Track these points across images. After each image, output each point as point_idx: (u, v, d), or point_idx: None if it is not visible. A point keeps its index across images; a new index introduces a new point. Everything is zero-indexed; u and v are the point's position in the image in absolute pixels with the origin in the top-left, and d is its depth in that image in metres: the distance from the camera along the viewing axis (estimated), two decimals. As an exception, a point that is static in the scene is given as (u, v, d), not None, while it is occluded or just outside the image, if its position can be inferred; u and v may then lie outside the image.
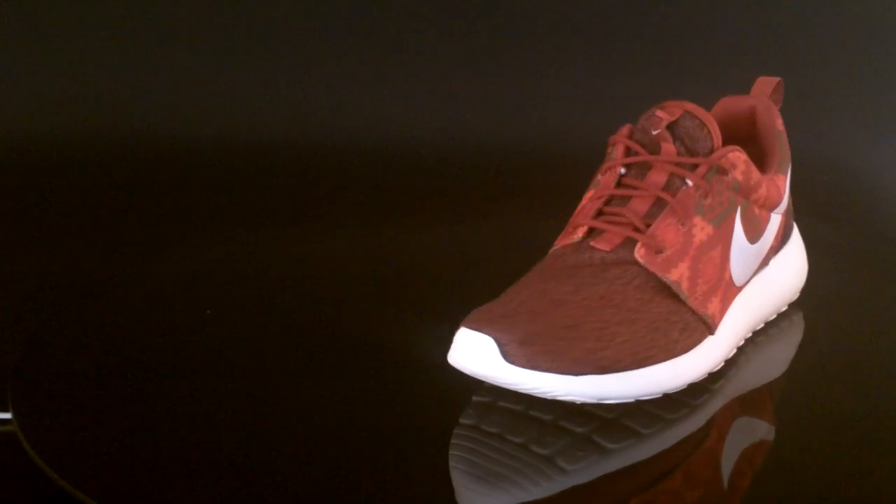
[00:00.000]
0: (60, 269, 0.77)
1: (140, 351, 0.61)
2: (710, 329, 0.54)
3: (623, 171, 0.55)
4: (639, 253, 0.53)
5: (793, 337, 0.62)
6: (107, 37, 1.05)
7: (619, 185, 0.55)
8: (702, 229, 0.54)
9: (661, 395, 0.52)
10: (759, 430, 0.53)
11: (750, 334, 0.60)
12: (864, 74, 1.02)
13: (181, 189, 0.92)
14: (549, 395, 0.49)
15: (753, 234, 0.57)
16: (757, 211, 0.57)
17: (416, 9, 1.11)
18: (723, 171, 0.54)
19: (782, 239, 0.62)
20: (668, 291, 0.53)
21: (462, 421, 0.52)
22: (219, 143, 0.98)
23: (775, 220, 0.59)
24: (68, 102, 1.01)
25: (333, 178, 1.00)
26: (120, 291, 0.70)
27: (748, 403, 0.55)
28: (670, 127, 0.55)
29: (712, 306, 0.54)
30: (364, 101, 1.09)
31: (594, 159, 0.58)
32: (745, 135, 0.63)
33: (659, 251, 0.53)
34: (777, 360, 0.60)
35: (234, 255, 0.75)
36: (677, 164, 0.55)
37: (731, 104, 0.64)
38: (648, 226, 0.53)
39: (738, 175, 0.55)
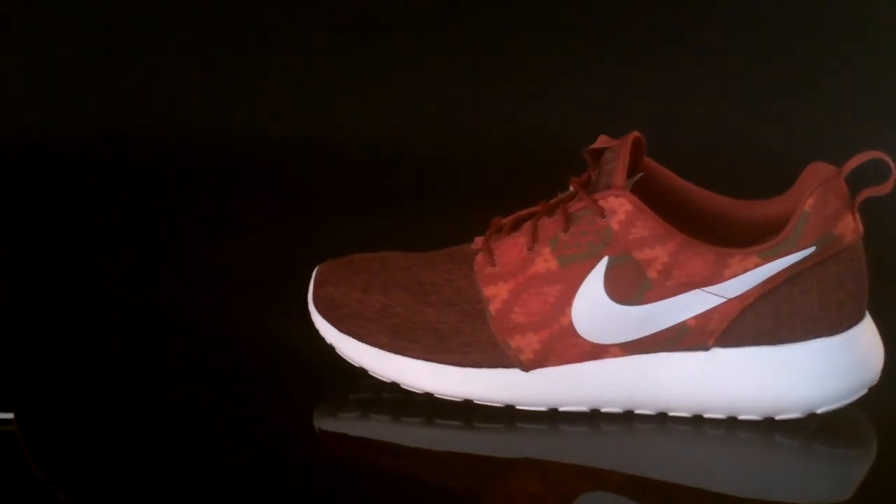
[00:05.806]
0: (60, 268, 0.78)
1: (143, 352, 0.61)
2: (508, 361, 0.51)
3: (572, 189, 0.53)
4: (477, 259, 0.53)
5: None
6: (106, 36, 1.04)
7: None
8: (545, 261, 0.50)
9: (422, 393, 0.53)
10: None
11: (652, 413, 0.52)
12: (864, 74, 1.01)
13: (181, 189, 0.92)
14: (329, 342, 0.55)
15: (626, 296, 0.49)
16: (653, 276, 0.48)
17: (415, 8, 1.06)
18: (599, 213, 0.49)
19: (753, 333, 0.50)
20: (480, 305, 0.51)
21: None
22: (218, 143, 0.97)
23: (704, 299, 0.49)
24: (68, 102, 1.03)
25: (333, 178, 0.95)
26: (122, 291, 0.70)
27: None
28: (602, 154, 0.51)
29: (522, 341, 0.51)
30: (363, 101, 1.04)
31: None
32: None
33: (492, 264, 0.52)
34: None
35: (234, 255, 0.76)
36: (575, 194, 0.51)
37: (814, 171, 0.52)
38: None
39: (613, 223, 0.48)
